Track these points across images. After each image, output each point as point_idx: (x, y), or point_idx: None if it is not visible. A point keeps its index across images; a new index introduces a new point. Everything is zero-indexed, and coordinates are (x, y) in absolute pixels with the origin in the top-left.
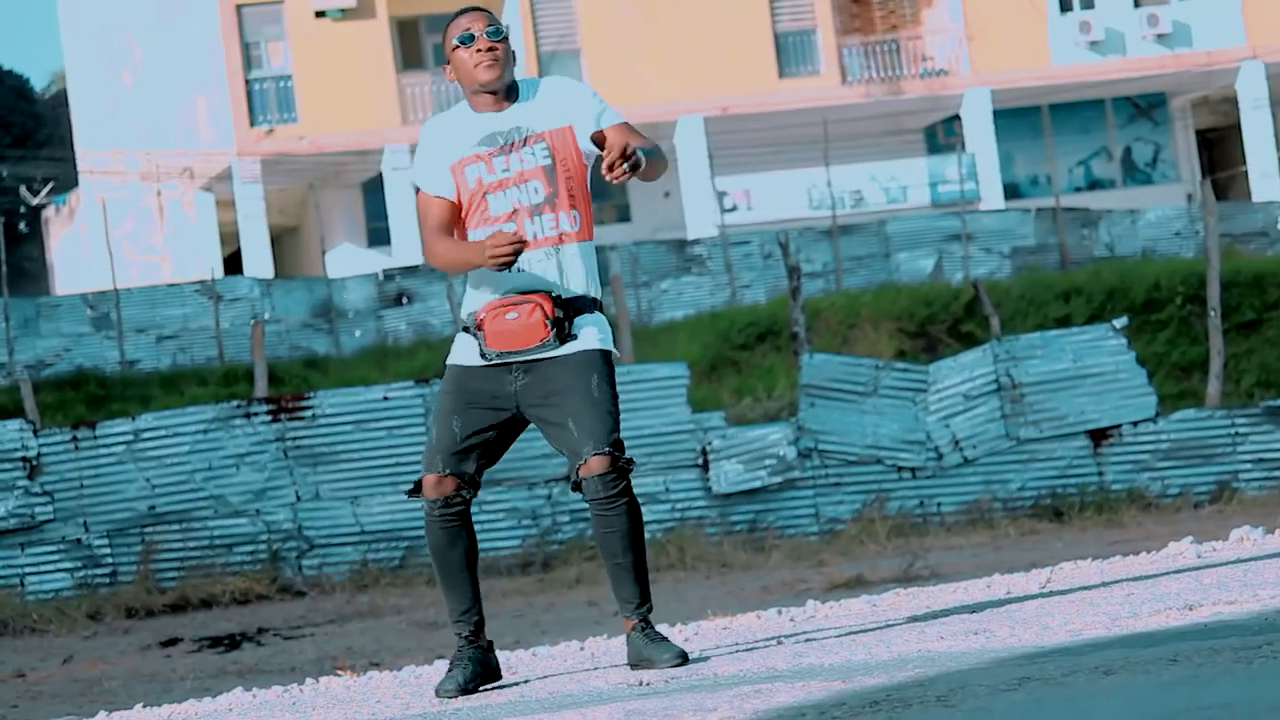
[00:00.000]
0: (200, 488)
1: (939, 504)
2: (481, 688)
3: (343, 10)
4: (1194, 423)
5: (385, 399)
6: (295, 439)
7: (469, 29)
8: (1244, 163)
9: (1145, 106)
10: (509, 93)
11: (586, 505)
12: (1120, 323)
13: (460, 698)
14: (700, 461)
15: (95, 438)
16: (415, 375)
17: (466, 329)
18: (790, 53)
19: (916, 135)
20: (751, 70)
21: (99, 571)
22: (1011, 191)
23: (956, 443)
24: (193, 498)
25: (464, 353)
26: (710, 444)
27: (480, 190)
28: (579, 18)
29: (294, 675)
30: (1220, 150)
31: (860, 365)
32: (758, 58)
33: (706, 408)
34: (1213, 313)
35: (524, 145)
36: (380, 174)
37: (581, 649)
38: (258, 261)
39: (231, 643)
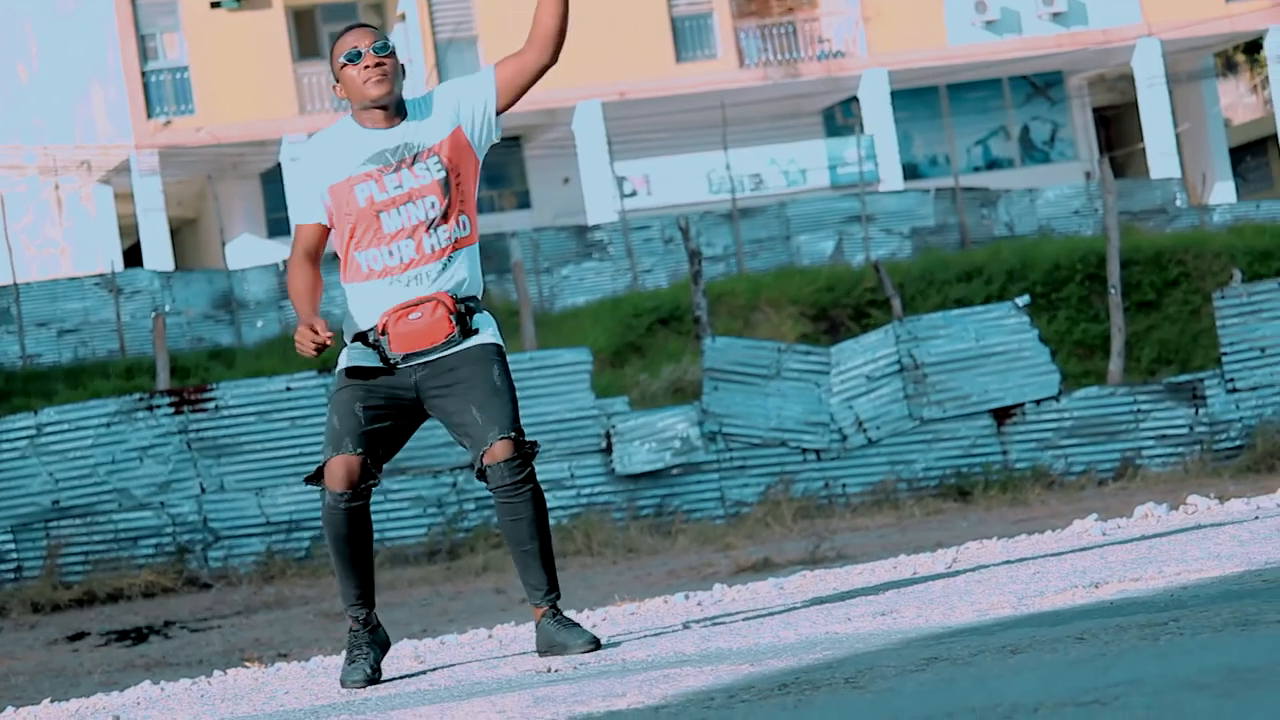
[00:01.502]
0: (104, 481)
1: (844, 485)
2: (381, 668)
3: (238, 1)
4: (1096, 400)
5: (288, 389)
6: (198, 431)
7: (356, 46)
8: (1141, 140)
9: (1042, 85)
10: (398, 109)
11: (491, 493)
12: (1022, 301)
13: (368, 686)
14: (604, 446)
15: None
16: (318, 366)
17: (362, 339)
18: (687, 36)
19: (815, 117)
20: (649, 54)
21: (3, 567)
22: (910, 172)
23: (860, 424)
24: (97, 491)
25: (359, 358)
26: (614, 428)
27: (372, 209)
28: (475, 4)
29: (202, 668)
30: (1117, 128)
31: (763, 348)
32: (655, 41)
33: (610, 393)
34: (1113, 290)
35: (415, 161)
36: (279, 164)
37: (489, 637)
38: (157, 254)
39: (139, 636)
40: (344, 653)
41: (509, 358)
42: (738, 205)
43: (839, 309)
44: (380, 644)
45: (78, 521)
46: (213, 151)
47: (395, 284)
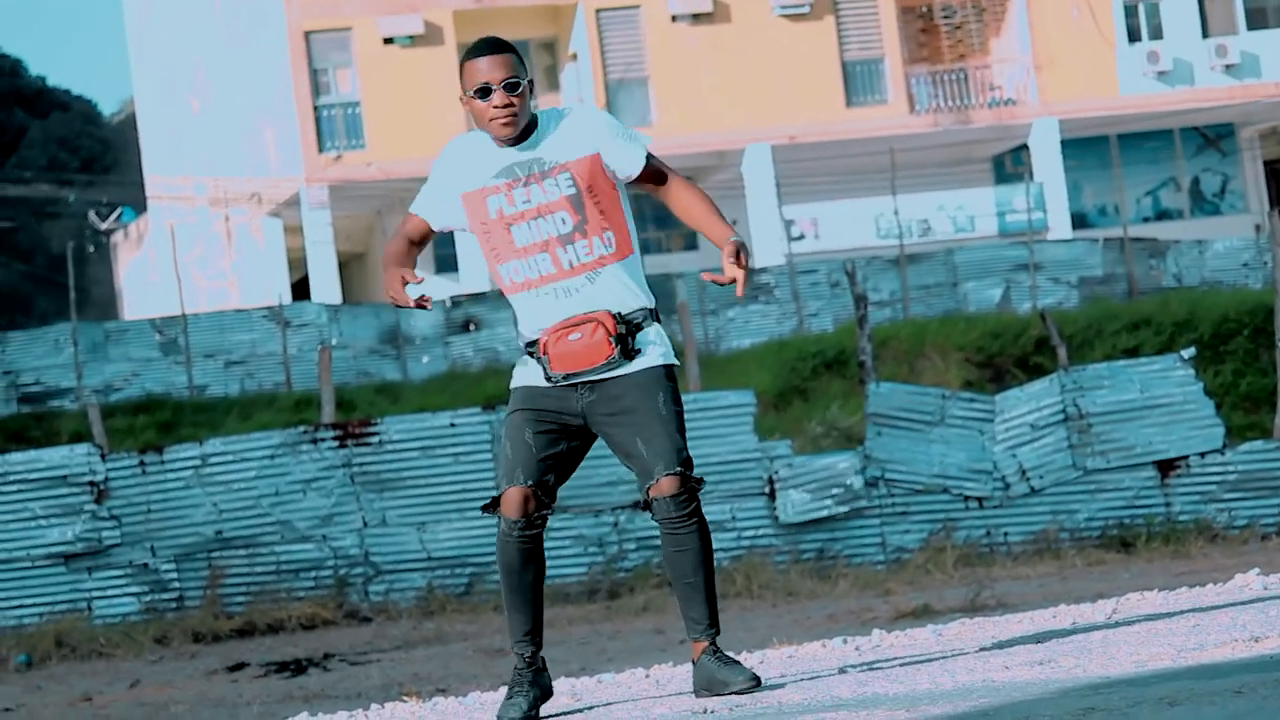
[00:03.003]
0: (267, 513)
1: (1006, 534)
2: (539, 713)
3: (411, 37)
4: (1261, 454)
5: (452, 425)
6: (362, 465)
7: (487, 81)
8: None
9: (1213, 137)
10: (528, 128)
11: (656, 527)
12: (1188, 353)
13: None
14: (767, 490)
15: (162, 462)
16: (483, 402)
17: (530, 354)
18: (858, 81)
19: (984, 164)
20: (819, 99)
21: (166, 596)
22: (1079, 221)
23: (1023, 473)
24: (259, 523)
25: (528, 375)
26: (777, 473)
27: (502, 221)
28: (647, 46)
29: (360, 701)
30: None
31: (927, 395)
32: (825, 86)
33: (773, 436)
34: None
35: (545, 178)
36: None
37: (646, 676)
38: (325, 287)
39: (298, 668)
40: (505, 689)
41: (689, 396)
42: (905, 251)
43: (1004, 357)
44: (542, 688)
45: (240, 552)
46: (382, 187)
47: (543, 295)
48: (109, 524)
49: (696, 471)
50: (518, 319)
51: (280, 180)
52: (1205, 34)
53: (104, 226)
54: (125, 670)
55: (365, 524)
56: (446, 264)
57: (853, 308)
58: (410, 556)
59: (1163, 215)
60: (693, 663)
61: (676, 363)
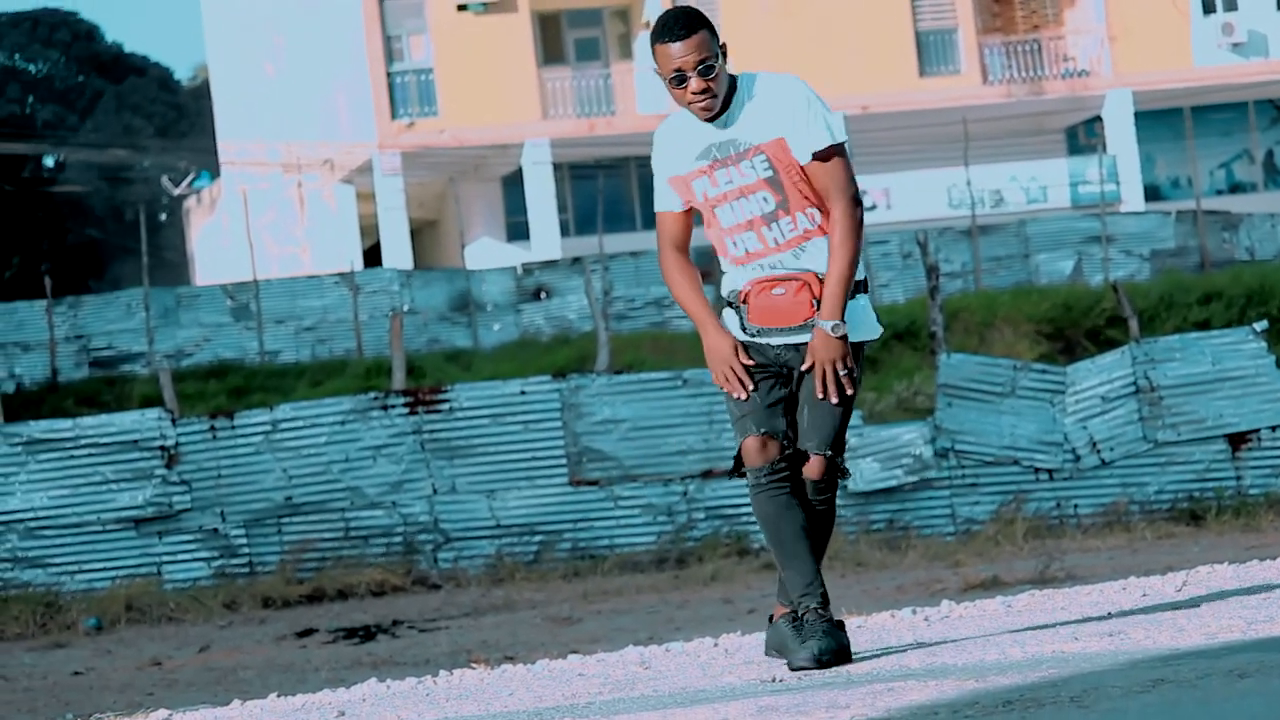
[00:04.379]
0: (337, 479)
1: (1075, 506)
2: (838, 665)
3: (484, 4)
4: None
5: (522, 393)
6: (432, 432)
7: (680, 68)
8: None
9: None
10: (726, 98)
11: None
12: (1260, 326)
13: (814, 668)
14: None
15: (233, 428)
16: (553, 370)
17: (730, 304)
18: (931, 51)
19: (1057, 136)
20: (892, 69)
21: (236, 561)
22: (1152, 193)
23: (1094, 445)
24: (330, 489)
25: (731, 328)
26: (847, 442)
27: (708, 204)
28: (719, 15)
29: (428, 668)
30: None
31: (998, 366)
32: (898, 56)
33: None
34: None
35: (740, 159)
36: (520, 168)
37: (715, 645)
38: (397, 253)
39: (366, 634)
40: (574, 657)
41: None
42: (977, 222)
43: (1075, 329)
44: (840, 644)
45: (310, 518)
46: (455, 154)
47: (751, 269)
48: (179, 489)
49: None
50: (729, 266)
51: (353, 146)
52: None
53: (177, 192)
54: (194, 635)
55: (435, 491)
56: (519, 231)
57: (924, 279)
58: (479, 524)
59: (1236, 188)
60: (769, 619)
61: (873, 338)
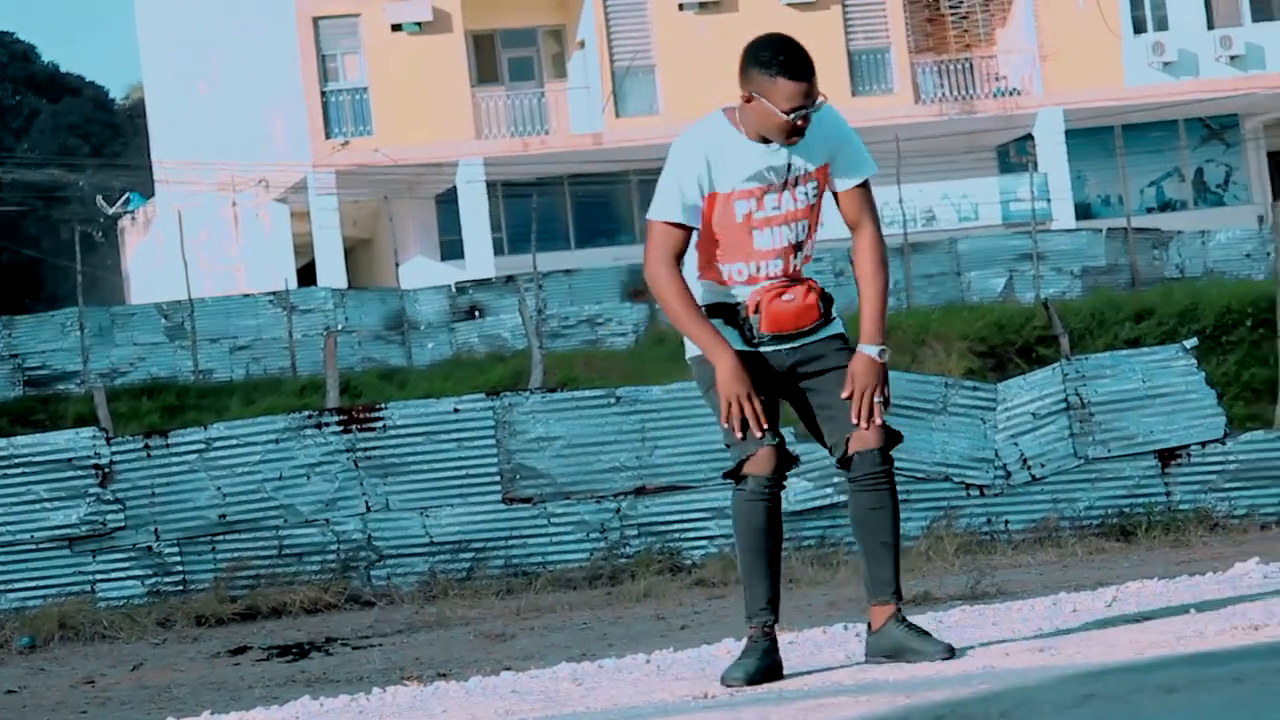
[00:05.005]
0: (271, 497)
1: (1006, 522)
2: (766, 684)
3: (419, 24)
4: (1263, 444)
5: (456, 411)
6: (366, 450)
7: (804, 106)
8: None
9: (1217, 128)
10: None
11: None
12: (1190, 343)
13: (743, 686)
14: None
15: (167, 446)
16: (487, 388)
17: (726, 319)
18: (864, 71)
19: (989, 154)
20: (825, 88)
21: (169, 579)
22: (1083, 211)
23: (1025, 461)
24: (263, 507)
25: (730, 341)
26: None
27: (747, 225)
28: (654, 34)
29: (361, 685)
30: None
31: (929, 383)
32: (831, 75)
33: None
34: None
35: (798, 184)
36: (454, 187)
37: (648, 662)
38: (332, 272)
39: (300, 652)
40: (507, 674)
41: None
42: (909, 240)
43: (1007, 346)
44: (774, 662)
45: (243, 536)
46: (389, 173)
47: (754, 290)
48: (113, 507)
49: (699, 458)
50: (702, 293)
51: (288, 166)
52: (1210, 25)
53: (112, 211)
54: (128, 653)
55: (368, 509)
56: (453, 249)
57: (856, 297)
58: (413, 541)
59: (1166, 206)
60: (869, 627)
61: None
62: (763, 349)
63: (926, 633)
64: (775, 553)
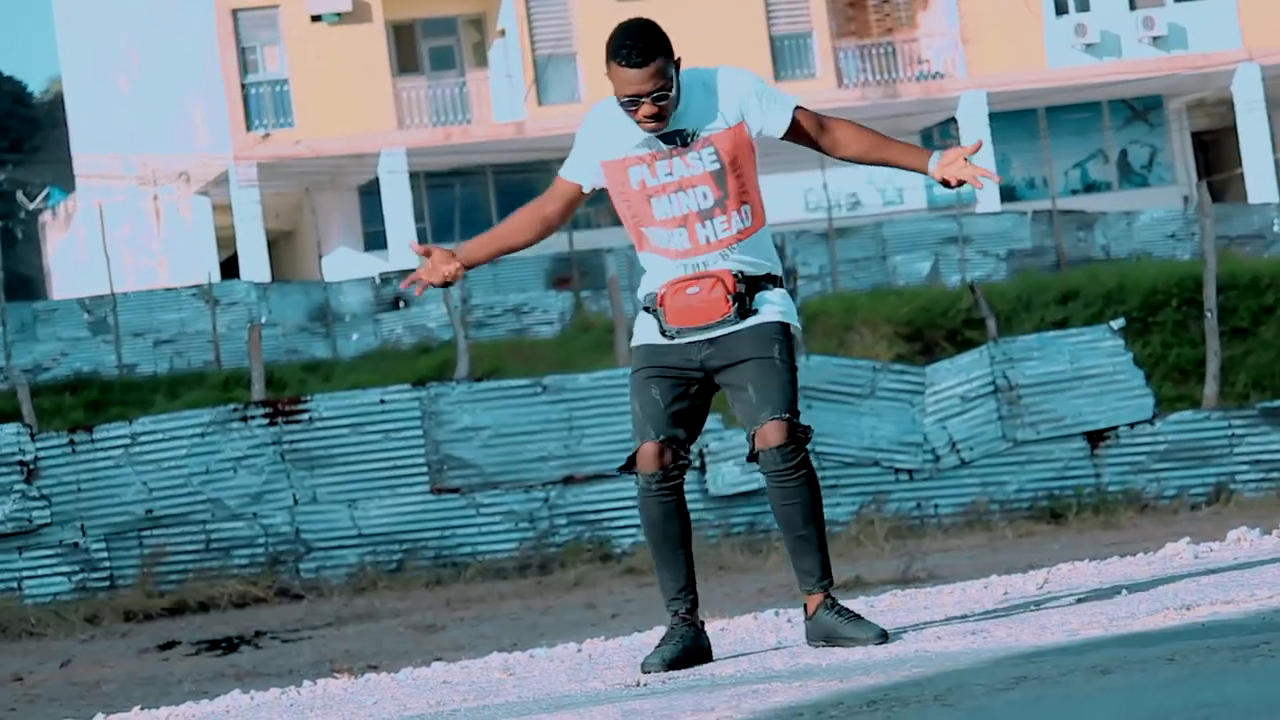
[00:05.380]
0: (198, 491)
1: (936, 506)
2: (689, 668)
3: (338, 15)
4: (1191, 424)
5: (382, 402)
6: (292, 442)
7: (636, 93)
8: (1240, 165)
9: (1141, 109)
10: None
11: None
12: (1117, 324)
13: (661, 671)
14: (697, 463)
15: (92, 441)
16: (413, 379)
17: (647, 308)
18: (786, 55)
19: (913, 138)
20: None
21: (96, 575)
22: (1008, 194)
23: (954, 445)
24: (190, 501)
25: (647, 332)
26: (707, 446)
27: (643, 193)
28: (575, 21)
29: (292, 678)
30: (1216, 152)
31: (857, 367)
32: (753, 60)
33: None
34: (1209, 315)
35: (688, 151)
36: (376, 178)
37: (579, 651)
38: (254, 265)
39: (229, 646)
40: (437, 664)
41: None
42: (834, 225)
43: (934, 330)
44: (695, 642)
45: (171, 531)
46: (311, 164)
47: (675, 265)
48: (39, 503)
49: (627, 447)
50: (646, 271)
51: (209, 158)
52: (1132, 6)
53: (32, 206)
54: (56, 650)
55: (296, 501)
56: (376, 240)
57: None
58: (341, 533)
59: (1091, 187)
60: (805, 615)
61: (796, 323)
62: (677, 341)
63: (859, 617)
64: (682, 541)
